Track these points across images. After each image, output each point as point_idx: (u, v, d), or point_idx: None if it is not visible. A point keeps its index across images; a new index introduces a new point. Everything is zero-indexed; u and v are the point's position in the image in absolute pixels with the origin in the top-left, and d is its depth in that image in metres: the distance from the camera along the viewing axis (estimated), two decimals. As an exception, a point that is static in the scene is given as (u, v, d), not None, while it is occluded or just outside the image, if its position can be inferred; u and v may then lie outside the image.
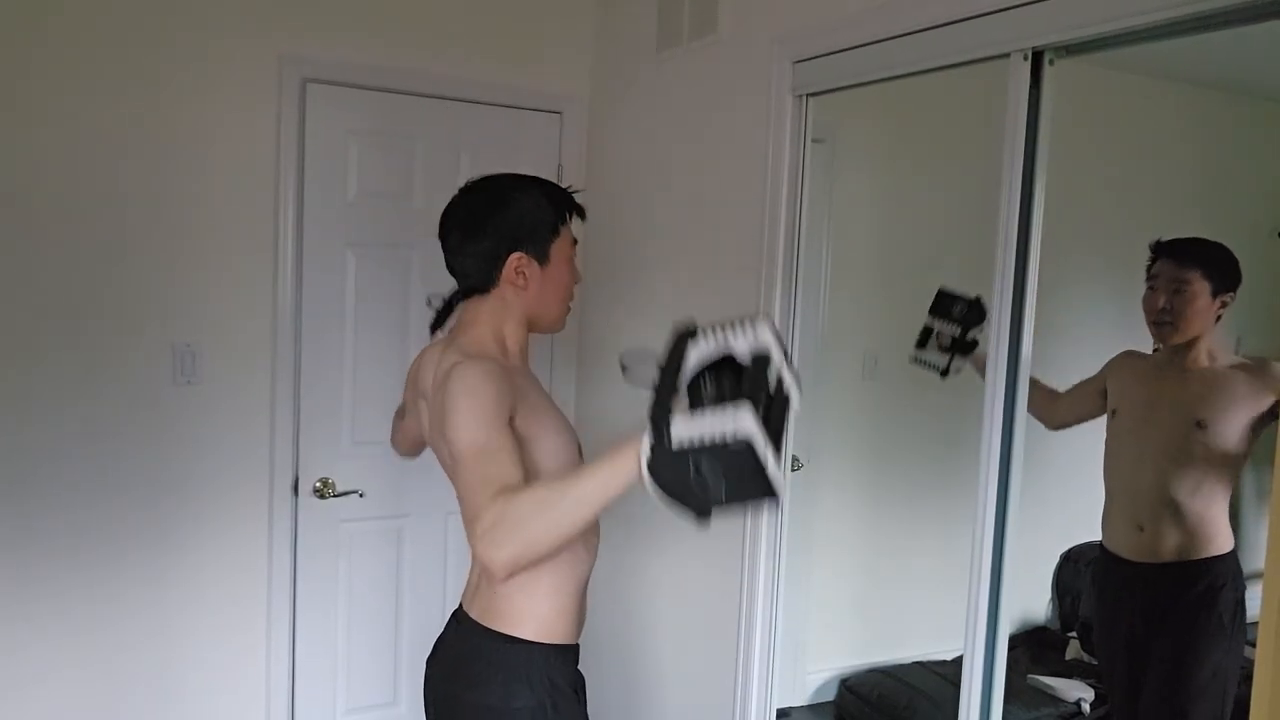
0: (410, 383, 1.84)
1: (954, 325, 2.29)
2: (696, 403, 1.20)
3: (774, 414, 1.16)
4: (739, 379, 1.20)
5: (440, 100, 2.91)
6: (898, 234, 2.82)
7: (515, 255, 1.63)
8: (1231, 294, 2.20)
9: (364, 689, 2.97)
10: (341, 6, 2.76)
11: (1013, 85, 1.74)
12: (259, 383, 2.76)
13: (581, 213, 1.72)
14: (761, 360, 1.20)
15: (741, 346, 1.22)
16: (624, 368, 1.36)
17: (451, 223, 1.67)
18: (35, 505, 2.52)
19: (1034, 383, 1.86)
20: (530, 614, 1.62)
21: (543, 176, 1.73)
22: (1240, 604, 2.18)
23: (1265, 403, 2.12)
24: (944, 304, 2.33)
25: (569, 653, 1.68)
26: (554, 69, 3.08)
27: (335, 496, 2.86)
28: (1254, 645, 0.96)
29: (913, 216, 2.79)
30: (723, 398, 1.17)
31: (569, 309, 1.74)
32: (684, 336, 1.25)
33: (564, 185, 1.72)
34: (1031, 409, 2.18)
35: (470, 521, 1.38)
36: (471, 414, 1.46)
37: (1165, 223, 2.34)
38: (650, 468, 1.17)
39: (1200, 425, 2.16)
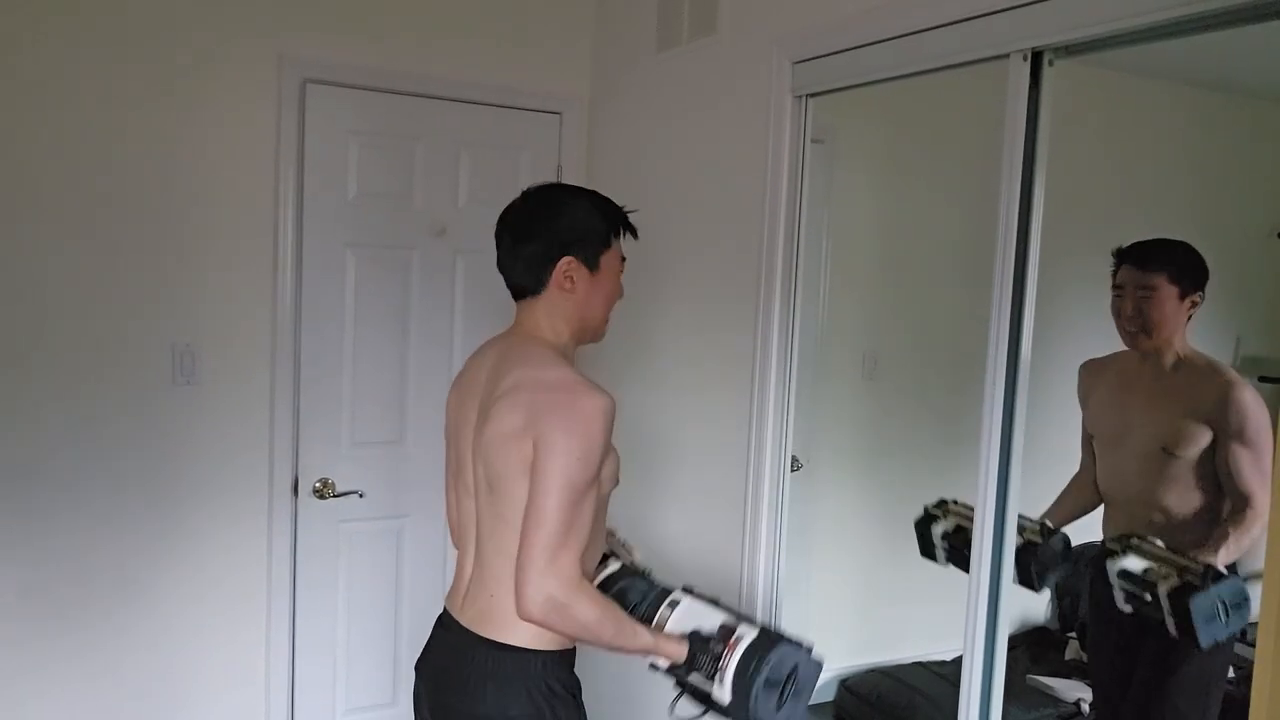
0: (465, 388, 1.73)
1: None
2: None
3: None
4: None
5: (440, 101, 2.91)
6: (897, 234, 2.82)
7: (566, 259, 1.65)
8: (1200, 293, 2.16)
9: (363, 689, 2.97)
10: (341, 7, 2.76)
11: (1012, 86, 1.74)
12: (258, 383, 2.76)
13: (633, 231, 1.75)
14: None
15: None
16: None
17: (507, 224, 1.71)
18: (34, 506, 2.52)
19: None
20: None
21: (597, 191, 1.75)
22: None
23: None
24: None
25: (566, 656, 1.67)
26: (553, 70, 3.08)
27: (335, 497, 2.86)
28: (1253, 645, 0.96)
29: (912, 217, 2.79)
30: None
31: (608, 320, 1.76)
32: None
33: (620, 206, 1.74)
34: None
35: (537, 552, 1.48)
36: (582, 452, 1.51)
37: (1163, 223, 2.33)
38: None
39: (1166, 450, 2.15)
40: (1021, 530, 1.94)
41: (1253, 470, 2.04)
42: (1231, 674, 2.38)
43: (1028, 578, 2.11)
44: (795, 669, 1.57)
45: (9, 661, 2.53)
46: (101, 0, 2.49)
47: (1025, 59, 1.72)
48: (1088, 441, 2.40)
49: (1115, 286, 2.24)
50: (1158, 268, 2.16)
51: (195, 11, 2.59)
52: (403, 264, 2.93)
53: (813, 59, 2.20)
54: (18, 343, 2.48)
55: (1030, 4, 1.69)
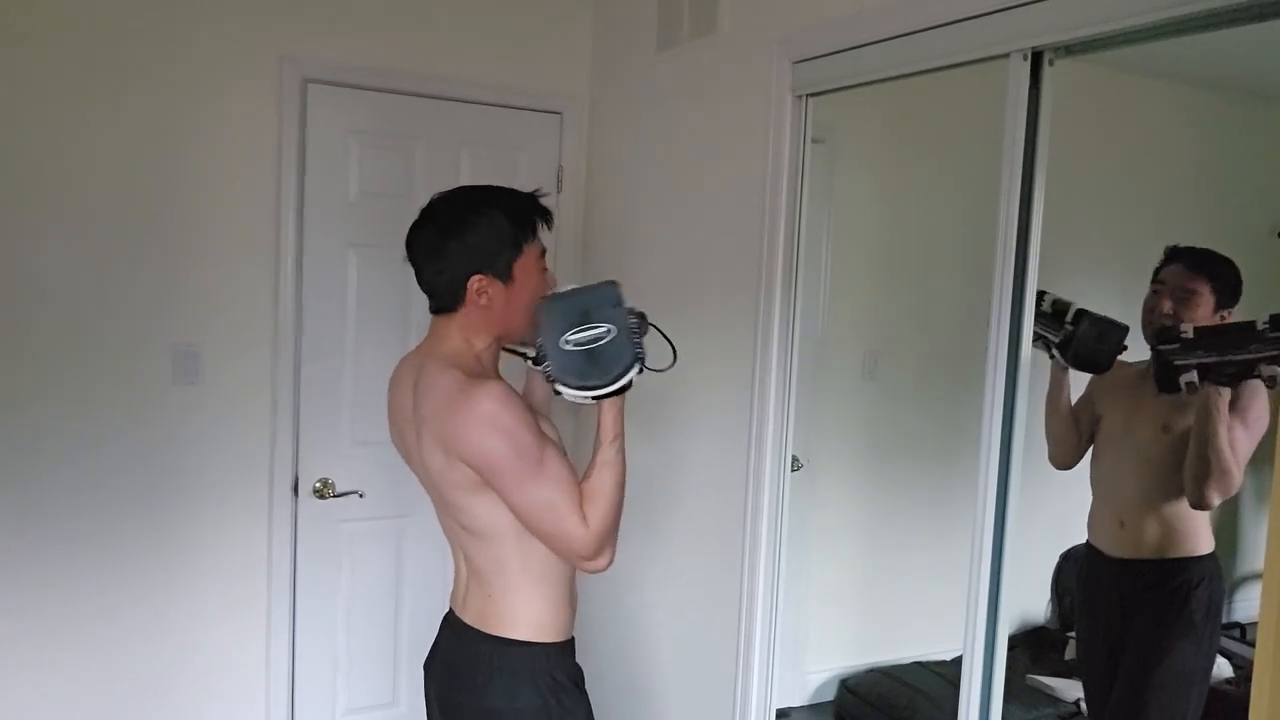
0: (396, 420, 1.78)
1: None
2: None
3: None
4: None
5: (440, 100, 2.91)
6: (898, 234, 2.83)
7: (475, 278, 1.63)
8: (1231, 310, 2.18)
9: (364, 689, 2.97)
10: (342, 7, 2.76)
11: (1012, 85, 1.74)
12: (259, 383, 2.76)
13: (549, 221, 1.69)
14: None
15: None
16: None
17: (415, 246, 1.69)
18: (35, 507, 2.52)
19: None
20: (526, 615, 1.65)
21: (509, 187, 1.70)
22: (1214, 605, 2.20)
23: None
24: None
25: (566, 647, 1.71)
26: (554, 69, 3.08)
27: (335, 497, 2.86)
28: (1252, 645, 0.96)
29: (912, 216, 2.79)
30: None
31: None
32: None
33: (533, 191, 1.69)
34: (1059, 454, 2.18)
35: (560, 539, 1.57)
36: (507, 441, 1.52)
37: (1164, 223, 2.33)
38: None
39: (1166, 430, 2.17)
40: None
41: (1241, 445, 2.06)
42: (1232, 674, 2.39)
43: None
44: (566, 329, 1.57)
45: (9, 660, 2.53)
46: (102, 1, 2.49)
47: (1025, 59, 1.72)
48: (1088, 418, 2.41)
49: (1156, 281, 2.24)
50: (1205, 275, 2.17)
51: (196, 11, 2.59)
52: (403, 264, 2.91)
53: (813, 58, 2.20)
54: (19, 343, 2.48)
55: (1030, 4, 1.69)
